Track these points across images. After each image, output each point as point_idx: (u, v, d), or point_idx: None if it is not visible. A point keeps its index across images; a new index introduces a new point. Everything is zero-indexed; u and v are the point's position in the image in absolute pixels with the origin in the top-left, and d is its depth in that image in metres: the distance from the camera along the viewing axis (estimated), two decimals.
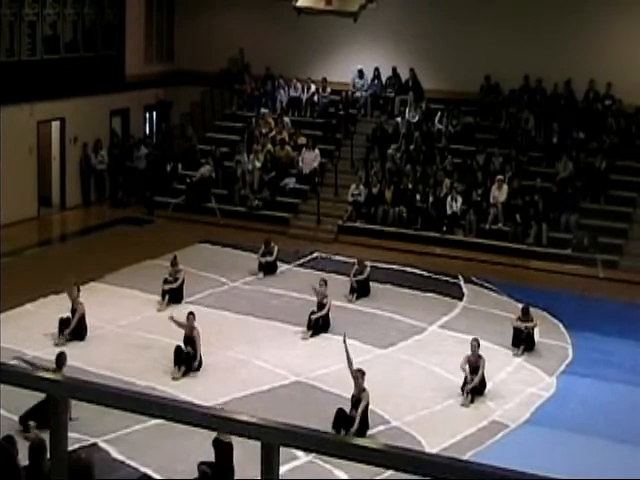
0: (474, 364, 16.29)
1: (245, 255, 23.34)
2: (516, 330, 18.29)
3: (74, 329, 17.71)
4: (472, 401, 16.06)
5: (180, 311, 18.28)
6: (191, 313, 17.20)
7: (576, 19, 27.26)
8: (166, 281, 20.12)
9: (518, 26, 27.75)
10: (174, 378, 16.22)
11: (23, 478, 6.44)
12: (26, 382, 3.93)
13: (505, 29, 27.92)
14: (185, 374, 16.37)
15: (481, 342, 17.84)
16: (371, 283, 21.64)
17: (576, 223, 24.59)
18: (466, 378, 16.14)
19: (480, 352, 16.44)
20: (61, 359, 14.92)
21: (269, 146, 28.26)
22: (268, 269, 22.08)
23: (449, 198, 25.36)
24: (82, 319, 17.83)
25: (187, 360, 16.51)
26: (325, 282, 19.17)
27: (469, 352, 16.42)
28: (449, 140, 27.75)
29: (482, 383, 16.36)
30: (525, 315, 18.46)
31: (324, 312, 18.75)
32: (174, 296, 20.02)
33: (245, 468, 11.97)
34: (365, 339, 18.44)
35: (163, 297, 19.96)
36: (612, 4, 27.07)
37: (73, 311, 17.87)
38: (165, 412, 3.72)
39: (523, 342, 18.22)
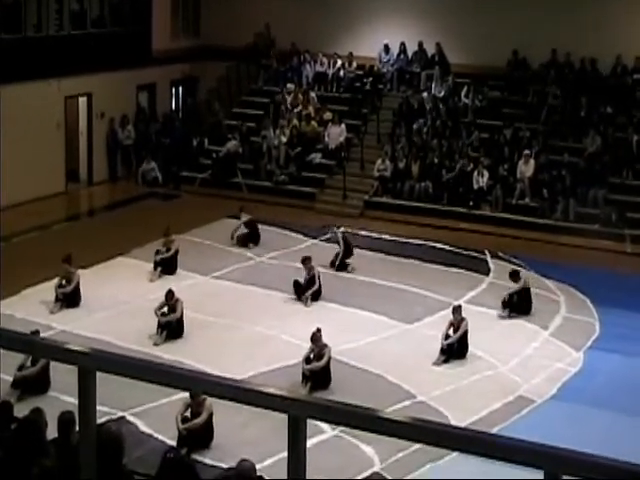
0: (457, 327, 16.64)
1: (271, 230, 23.38)
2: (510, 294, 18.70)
3: (70, 295, 18.12)
4: (447, 361, 16.38)
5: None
6: (170, 291, 17.34)
7: None
8: (158, 252, 20.32)
9: (546, 0, 27.53)
10: (155, 344, 16.64)
11: (52, 450, 6.50)
12: (55, 354, 3.97)
13: (532, 3, 27.68)
14: (167, 339, 16.81)
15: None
16: (397, 258, 21.75)
17: (604, 198, 24.42)
18: (447, 336, 16.53)
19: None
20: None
21: (295, 121, 28.22)
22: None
23: (475, 173, 25.25)
24: (77, 287, 18.24)
25: (169, 327, 16.96)
26: (309, 258, 19.40)
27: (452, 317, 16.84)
28: (475, 115, 27.61)
29: (463, 346, 16.60)
30: (513, 277, 18.83)
31: (316, 287, 19.07)
32: (167, 267, 20.20)
33: (272, 441, 12.02)
34: (391, 314, 18.47)
35: (155, 268, 20.15)
36: None
37: (68, 281, 18.24)
38: (193, 385, 3.75)
39: (509, 304, 18.63)
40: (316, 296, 19.10)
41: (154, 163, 27.88)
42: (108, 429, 5.91)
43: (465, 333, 16.61)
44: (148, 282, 19.74)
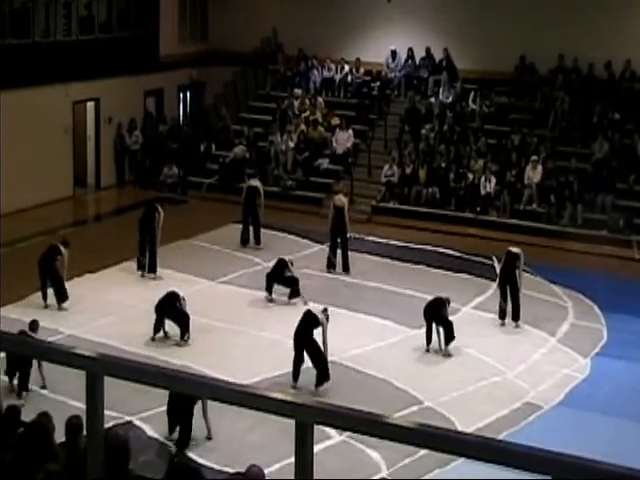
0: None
1: (278, 235, 23.39)
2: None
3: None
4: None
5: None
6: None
7: None
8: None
9: (553, 5, 27.50)
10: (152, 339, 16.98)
11: (59, 455, 6.51)
12: (63, 359, 3.97)
13: (540, 8, 27.65)
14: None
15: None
16: (405, 264, 21.74)
17: (611, 204, 24.38)
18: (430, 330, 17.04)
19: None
20: (34, 325, 15.12)
21: (302, 126, 28.23)
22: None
23: (483, 179, 25.23)
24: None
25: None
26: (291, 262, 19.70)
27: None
28: (483, 120, 27.59)
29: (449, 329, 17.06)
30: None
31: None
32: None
33: (278, 446, 12.02)
34: (398, 319, 18.45)
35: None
36: None
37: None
38: (200, 390, 3.75)
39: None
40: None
41: (176, 169, 27.89)
42: (115, 433, 5.92)
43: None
44: (154, 287, 19.69)
